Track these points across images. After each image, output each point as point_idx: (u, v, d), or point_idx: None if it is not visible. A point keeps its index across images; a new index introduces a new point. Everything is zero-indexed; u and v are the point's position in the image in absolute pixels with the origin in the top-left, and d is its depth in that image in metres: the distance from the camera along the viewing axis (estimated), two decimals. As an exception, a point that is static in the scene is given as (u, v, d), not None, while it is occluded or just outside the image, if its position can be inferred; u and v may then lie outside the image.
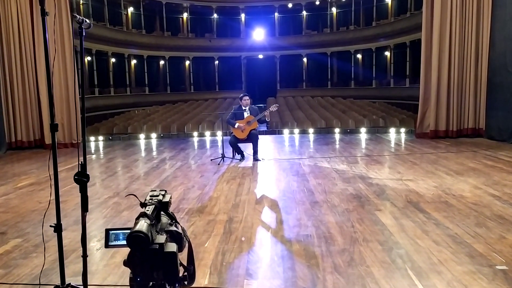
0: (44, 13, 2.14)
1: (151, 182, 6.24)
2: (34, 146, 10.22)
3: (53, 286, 2.52)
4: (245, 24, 29.48)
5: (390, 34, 24.33)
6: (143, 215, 1.27)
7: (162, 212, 1.38)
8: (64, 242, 3.59)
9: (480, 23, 9.80)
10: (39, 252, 3.42)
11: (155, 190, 1.47)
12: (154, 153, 9.73)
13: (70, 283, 2.49)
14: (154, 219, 1.29)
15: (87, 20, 2.25)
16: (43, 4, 2.14)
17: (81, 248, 2.46)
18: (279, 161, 7.87)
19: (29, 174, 7.07)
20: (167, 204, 1.41)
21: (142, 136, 12.88)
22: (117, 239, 1.38)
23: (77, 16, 2.16)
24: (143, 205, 1.35)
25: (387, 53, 25.72)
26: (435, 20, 9.91)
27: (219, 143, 8.34)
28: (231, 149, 8.07)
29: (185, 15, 28.89)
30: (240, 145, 8.00)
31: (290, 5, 28.43)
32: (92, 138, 12.38)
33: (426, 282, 2.76)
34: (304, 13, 28.93)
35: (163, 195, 1.44)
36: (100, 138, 12.56)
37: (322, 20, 29.41)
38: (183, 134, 13.72)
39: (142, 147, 10.86)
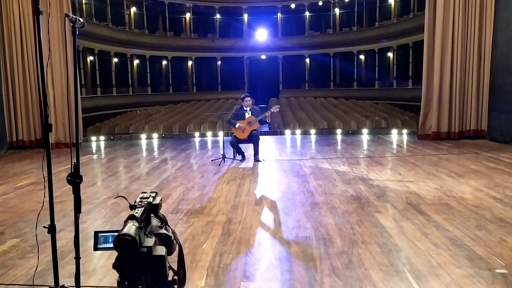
0: (38, 12, 2.12)
1: (151, 183, 6.22)
2: (35, 146, 10.22)
3: (47, 287, 2.49)
4: (248, 25, 29.47)
5: (393, 35, 24.28)
6: (131, 217, 1.25)
7: (152, 215, 1.36)
8: (62, 242, 3.59)
9: (482, 24, 9.75)
10: (36, 252, 3.40)
11: (146, 192, 1.44)
12: (155, 153, 9.71)
13: (63, 285, 2.47)
14: (143, 221, 1.26)
15: (81, 19, 2.23)
16: (38, 3, 2.12)
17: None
18: (280, 162, 7.84)
19: (29, 174, 7.06)
20: (157, 206, 1.39)
21: (143, 136, 12.87)
22: (106, 241, 1.35)
23: (70, 15, 2.14)
24: (133, 207, 1.32)
25: (390, 54, 25.66)
26: (438, 21, 9.87)
27: (221, 144, 8.32)
28: (232, 150, 8.06)
29: (187, 15, 28.90)
30: (241, 145, 7.99)
31: (293, 6, 28.41)
32: (93, 138, 12.38)
33: (425, 285, 2.73)
34: (307, 13, 28.89)
35: (153, 197, 1.41)
36: (102, 138, 12.55)
37: (325, 20, 29.37)
38: (185, 134, 13.71)
39: (144, 147, 10.86)
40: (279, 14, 29.08)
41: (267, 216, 4.45)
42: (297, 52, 28.52)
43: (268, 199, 5.17)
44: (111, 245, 1.31)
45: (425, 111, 10.35)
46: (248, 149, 8.09)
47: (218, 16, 29.19)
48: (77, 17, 2.18)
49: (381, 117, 15.73)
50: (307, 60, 29.40)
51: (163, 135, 13.32)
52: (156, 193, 1.45)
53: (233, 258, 3.27)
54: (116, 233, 1.24)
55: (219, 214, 4.48)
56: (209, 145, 10.95)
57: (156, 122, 16.32)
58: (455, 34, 9.86)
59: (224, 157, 7.84)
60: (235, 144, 7.92)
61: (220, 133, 11.31)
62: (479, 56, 9.85)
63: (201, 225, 4.11)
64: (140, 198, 1.40)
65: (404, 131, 12.14)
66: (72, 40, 2.16)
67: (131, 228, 1.18)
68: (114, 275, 2.99)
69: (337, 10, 28.60)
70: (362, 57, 27.98)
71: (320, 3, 28.02)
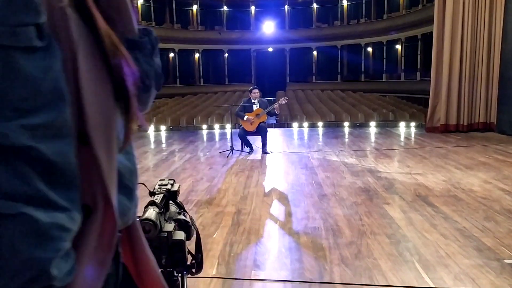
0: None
1: (160, 174, 6.28)
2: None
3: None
4: (255, 17, 29.38)
5: (402, 27, 24.07)
6: (151, 203, 1.29)
7: (170, 201, 1.40)
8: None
9: (492, 16, 9.68)
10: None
11: (164, 180, 1.49)
12: (163, 145, 9.78)
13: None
14: (163, 207, 1.31)
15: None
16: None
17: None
18: (288, 154, 7.88)
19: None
20: (176, 193, 1.43)
21: (151, 128, 12.95)
22: (126, 227, 1.39)
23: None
24: (152, 194, 1.37)
25: (398, 46, 25.48)
26: (447, 13, 9.80)
27: (228, 136, 8.36)
28: (240, 142, 8.10)
29: (195, 7, 28.86)
30: (249, 137, 8.02)
31: (300, -2, 28.27)
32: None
33: (433, 275, 2.77)
34: (315, 5, 28.74)
35: (172, 185, 1.46)
36: (110, 130, 12.63)
37: (332, 12, 29.20)
38: (192, 126, 13.76)
39: (152, 139, 10.93)
40: (286, 6, 28.95)
41: (276, 207, 4.49)
42: (304, 44, 28.39)
43: (277, 191, 5.22)
44: (131, 230, 1.35)
45: (434, 104, 10.31)
46: (256, 141, 8.13)
47: (225, 8, 29.12)
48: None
49: (389, 110, 15.66)
50: (314, 53, 29.29)
51: (171, 127, 13.39)
52: (174, 180, 1.50)
53: (243, 248, 3.32)
54: (137, 218, 1.28)
55: (228, 205, 4.53)
56: (217, 137, 11.00)
57: (163, 114, 16.38)
58: (465, 26, 9.79)
59: (232, 149, 7.89)
60: (243, 136, 7.96)
61: (228, 126, 11.36)
62: (489, 48, 9.79)
63: (211, 216, 4.16)
64: (159, 185, 1.44)
65: (412, 123, 12.11)
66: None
67: (152, 213, 1.23)
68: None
69: (344, 2, 28.41)
70: (370, 49, 27.81)
71: (328, -5, 27.87)
